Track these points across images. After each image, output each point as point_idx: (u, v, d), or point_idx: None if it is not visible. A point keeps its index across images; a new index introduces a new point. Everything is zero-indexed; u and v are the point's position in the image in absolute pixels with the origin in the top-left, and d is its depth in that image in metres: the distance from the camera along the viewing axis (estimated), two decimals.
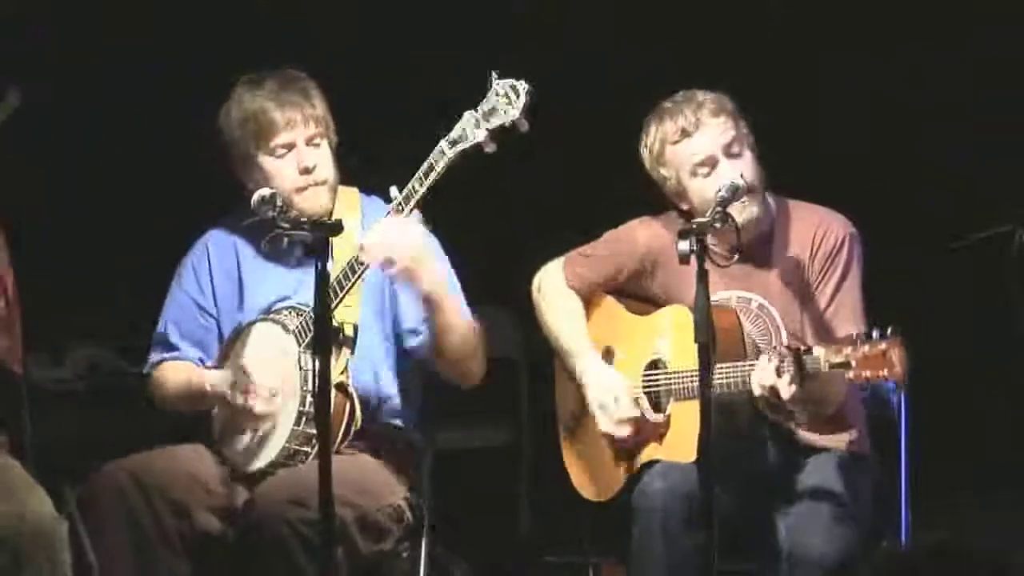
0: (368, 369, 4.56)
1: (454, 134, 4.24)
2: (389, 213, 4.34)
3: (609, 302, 4.74)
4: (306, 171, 4.53)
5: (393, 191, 4.29)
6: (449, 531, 5.09)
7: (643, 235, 4.69)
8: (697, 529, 4.20)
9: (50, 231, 5.69)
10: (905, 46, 5.85)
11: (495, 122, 4.19)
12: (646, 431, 4.57)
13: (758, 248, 4.55)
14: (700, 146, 4.50)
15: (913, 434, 4.76)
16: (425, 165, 4.28)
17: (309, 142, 4.53)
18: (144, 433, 4.81)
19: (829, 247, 4.54)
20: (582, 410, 4.71)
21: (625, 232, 4.73)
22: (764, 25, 5.88)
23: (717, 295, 4.38)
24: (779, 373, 4.20)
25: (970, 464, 5.02)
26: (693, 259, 4.09)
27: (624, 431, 4.55)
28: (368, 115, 5.58)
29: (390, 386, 4.61)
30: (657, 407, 4.57)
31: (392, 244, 4.28)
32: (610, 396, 4.58)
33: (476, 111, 4.21)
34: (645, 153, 4.59)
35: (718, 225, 4.26)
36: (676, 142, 4.51)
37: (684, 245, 4.10)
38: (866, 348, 4.08)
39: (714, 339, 4.10)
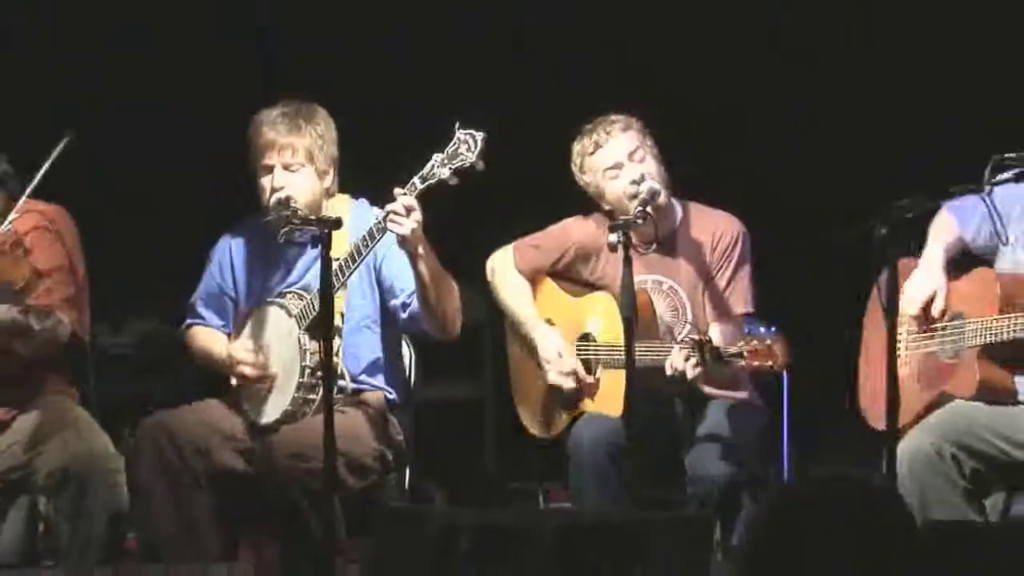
0: (364, 332, 4.90)
1: (424, 171, 4.62)
2: (373, 226, 4.68)
3: (550, 284, 5.30)
4: (275, 191, 4.85)
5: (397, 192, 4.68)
6: (429, 467, 5.48)
7: (577, 232, 5.25)
8: (617, 466, 4.83)
9: (115, 226, 6.09)
10: (766, 55, 6.33)
11: (457, 164, 4.59)
12: (582, 388, 5.13)
13: (668, 242, 5.18)
14: (609, 154, 5.10)
15: (793, 391, 5.36)
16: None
17: (287, 168, 4.82)
18: (182, 390, 5.30)
19: (727, 242, 5.14)
20: (530, 367, 5.23)
21: (563, 228, 5.27)
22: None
23: (636, 278, 4.86)
24: (687, 359, 4.73)
25: (834, 415, 5.31)
26: (620, 248, 4.69)
27: (570, 382, 5.09)
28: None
29: (378, 348, 4.93)
30: (588, 371, 5.13)
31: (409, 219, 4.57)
32: (556, 353, 5.12)
33: (442, 153, 4.60)
34: (573, 167, 5.20)
35: (640, 222, 4.91)
36: (591, 153, 5.14)
37: (613, 237, 4.71)
38: (755, 343, 4.58)
39: (636, 314, 4.71)
